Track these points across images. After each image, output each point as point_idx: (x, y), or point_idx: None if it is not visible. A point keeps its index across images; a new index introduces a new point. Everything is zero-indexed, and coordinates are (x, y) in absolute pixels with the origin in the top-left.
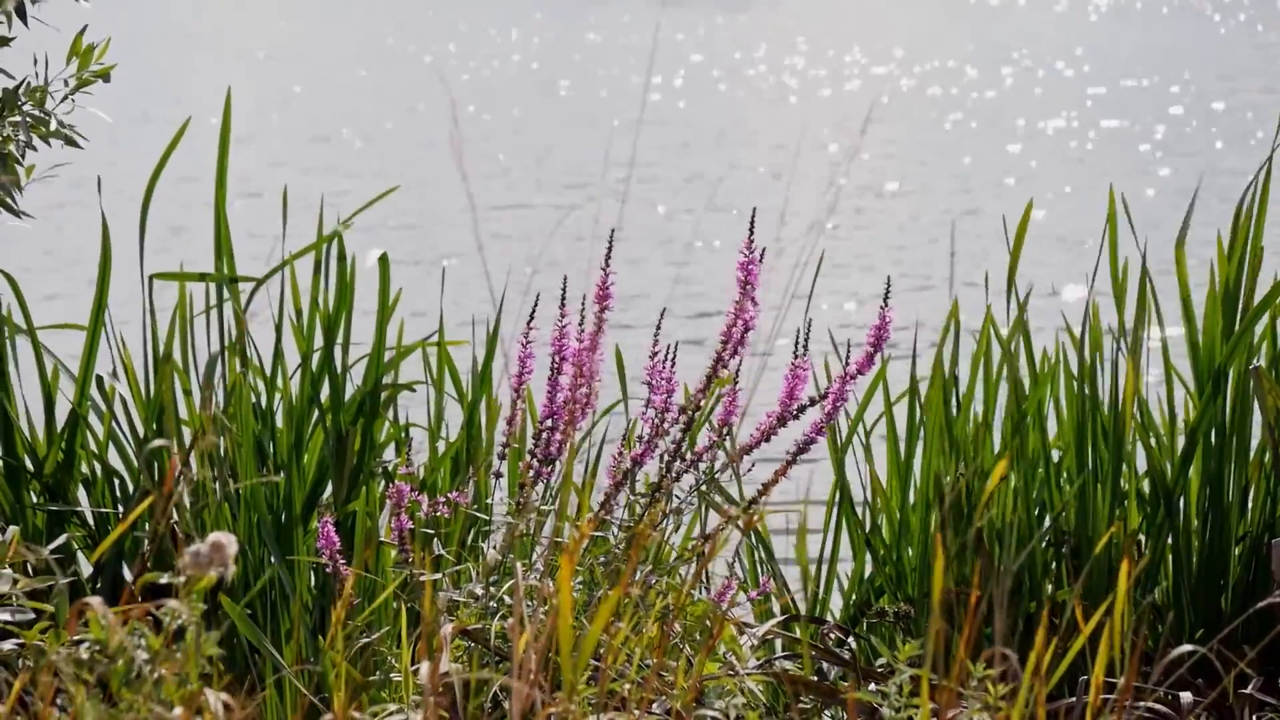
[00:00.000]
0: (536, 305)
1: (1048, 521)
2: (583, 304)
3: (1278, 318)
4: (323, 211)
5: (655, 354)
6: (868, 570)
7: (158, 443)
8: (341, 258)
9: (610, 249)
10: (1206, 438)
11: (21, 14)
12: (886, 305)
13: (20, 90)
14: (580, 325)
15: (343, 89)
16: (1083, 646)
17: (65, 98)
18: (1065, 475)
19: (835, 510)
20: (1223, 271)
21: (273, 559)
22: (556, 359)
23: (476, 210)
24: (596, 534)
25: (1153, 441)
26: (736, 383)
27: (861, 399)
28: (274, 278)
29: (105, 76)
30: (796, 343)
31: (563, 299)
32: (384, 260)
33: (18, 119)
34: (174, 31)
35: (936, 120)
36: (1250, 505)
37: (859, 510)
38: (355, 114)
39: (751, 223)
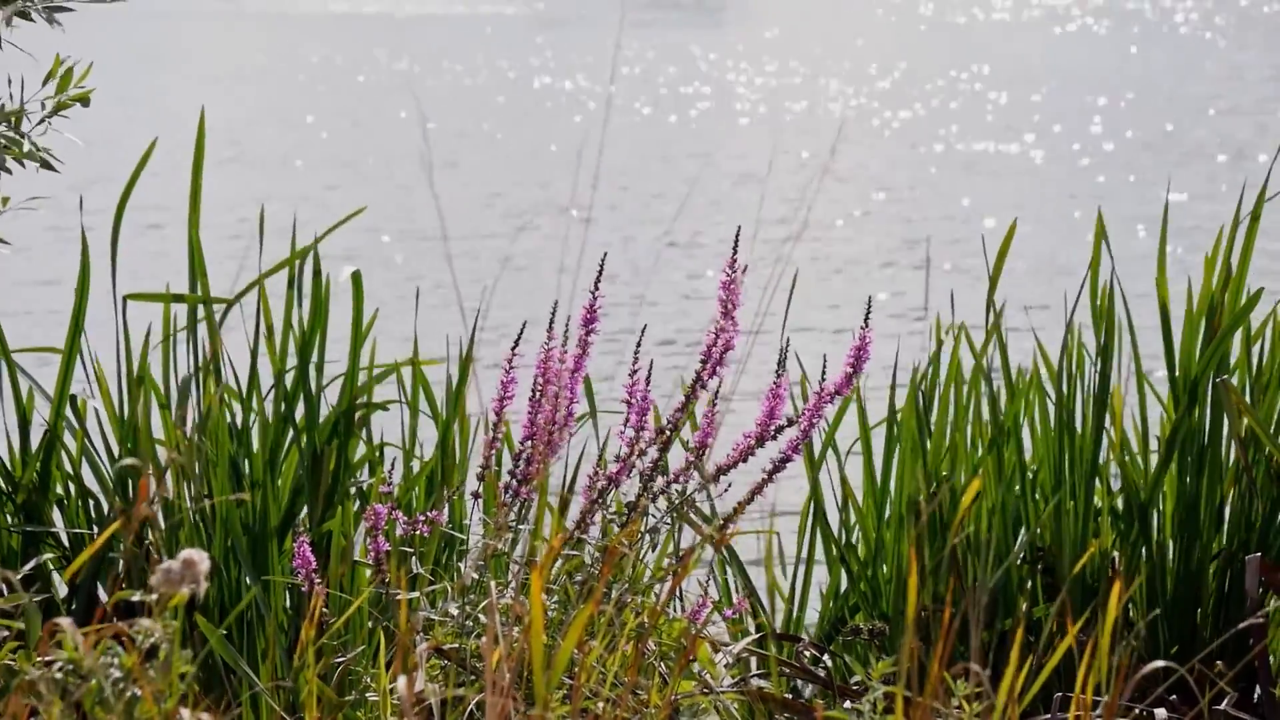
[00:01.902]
0: (523, 332)
1: (1022, 537)
2: (559, 326)
3: (1252, 341)
4: (295, 231)
5: (635, 371)
6: (843, 587)
7: (127, 461)
8: (317, 273)
9: (600, 272)
10: (1182, 452)
11: None
12: (866, 326)
13: None
14: (563, 346)
15: (310, 112)
16: (1056, 664)
17: (42, 120)
18: (1040, 492)
19: (809, 527)
20: (1207, 276)
21: (247, 579)
22: (540, 381)
23: (446, 227)
24: (570, 552)
25: (1126, 457)
26: (714, 403)
27: (834, 417)
28: (249, 297)
29: (85, 101)
30: (779, 362)
31: (550, 323)
32: (357, 277)
33: None
34: (146, 53)
35: (912, 141)
36: (1226, 521)
37: (834, 527)
38: (326, 136)
39: (735, 242)
